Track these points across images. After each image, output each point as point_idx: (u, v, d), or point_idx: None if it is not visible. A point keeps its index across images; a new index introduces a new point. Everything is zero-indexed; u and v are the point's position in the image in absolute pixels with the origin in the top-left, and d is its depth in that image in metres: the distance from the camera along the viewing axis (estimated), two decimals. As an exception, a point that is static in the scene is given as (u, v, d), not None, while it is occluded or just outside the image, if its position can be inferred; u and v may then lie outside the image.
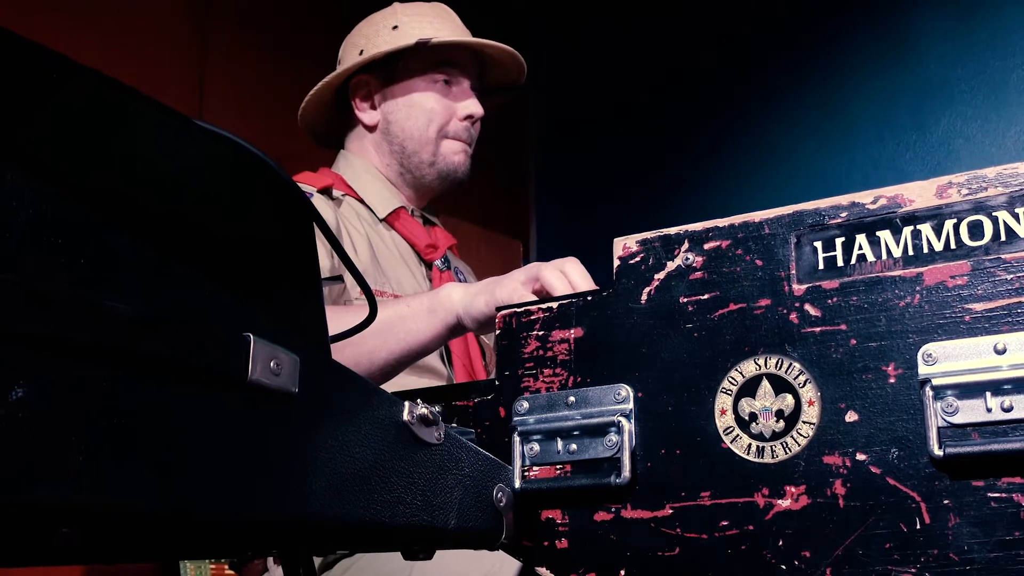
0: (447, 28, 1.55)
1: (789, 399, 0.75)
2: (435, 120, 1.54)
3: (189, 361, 0.54)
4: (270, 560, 1.33)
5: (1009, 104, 2.55)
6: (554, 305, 0.87)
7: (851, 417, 0.72)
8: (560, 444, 0.82)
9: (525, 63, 1.60)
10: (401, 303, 1.17)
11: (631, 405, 0.80)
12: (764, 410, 0.75)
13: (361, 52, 1.55)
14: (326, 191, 1.52)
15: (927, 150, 2.60)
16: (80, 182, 0.53)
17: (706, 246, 0.81)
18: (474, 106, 1.55)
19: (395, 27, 1.54)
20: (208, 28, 2.36)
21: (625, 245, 0.84)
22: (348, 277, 1.39)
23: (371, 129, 1.59)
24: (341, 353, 1.06)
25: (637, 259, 0.83)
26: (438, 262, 1.57)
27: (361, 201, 1.56)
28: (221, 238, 0.62)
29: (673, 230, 0.82)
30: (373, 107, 1.58)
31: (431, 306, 1.13)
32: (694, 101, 3.08)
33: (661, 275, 0.82)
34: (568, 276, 1.01)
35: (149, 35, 2.21)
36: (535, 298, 1.01)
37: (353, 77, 1.57)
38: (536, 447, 0.83)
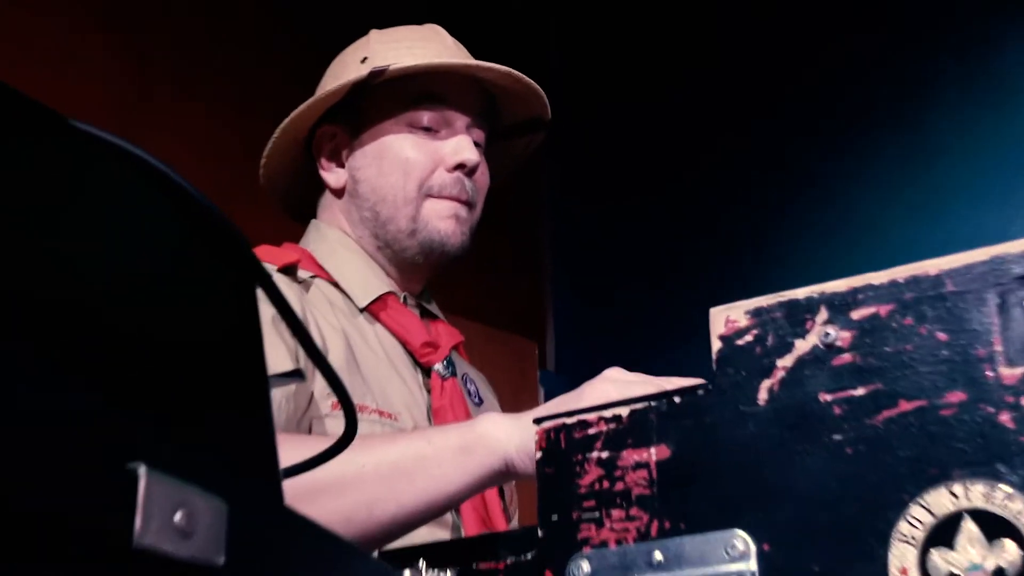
0: (430, 52, 1.45)
1: (1011, 549, 0.59)
2: (414, 172, 1.42)
3: (28, 511, 0.37)
4: None
5: None
6: (623, 412, 0.74)
7: (1123, 577, 0.56)
8: (644, 627, 0.68)
9: (542, 90, 1.49)
10: (417, 438, 1.06)
11: (753, 565, 0.66)
12: (973, 568, 0.60)
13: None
14: (289, 270, 1.40)
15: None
16: None
17: (855, 314, 0.68)
18: (467, 149, 1.42)
19: (364, 59, 1.45)
20: (147, 78, 2.44)
21: (729, 318, 0.72)
22: (318, 385, 1.26)
23: (339, 193, 1.49)
24: (320, 505, 0.96)
25: (749, 338, 0.71)
26: (439, 366, 1.45)
27: (335, 285, 1.44)
28: (105, 316, 0.46)
29: (802, 293, 0.70)
30: (341, 164, 1.49)
31: (464, 444, 1.02)
32: (735, 169, 3.09)
33: (788, 361, 0.69)
34: None
35: (82, 93, 2.27)
36: None
37: (318, 128, 1.48)
38: (606, 633, 0.68)
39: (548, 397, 3.47)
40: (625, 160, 3.31)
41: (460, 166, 1.43)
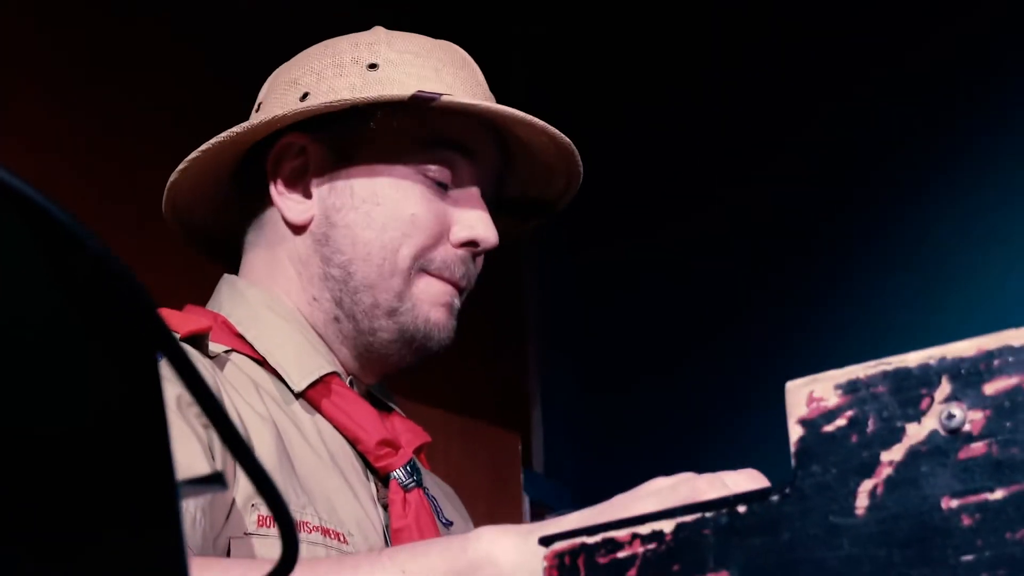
0: (466, 84, 1.42)
1: None
2: (416, 236, 1.38)
3: None
4: None
5: None
6: (667, 527, 0.72)
7: None
8: None
9: (580, 165, 1.47)
10: (385, 563, 1.06)
11: None
12: None
13: (305, 96, 1.40)
14: (196, 340, 1.34)
15: None
16: None
17: (989, 388, 0.66)
18: (485, 224, 1.40)
19: (372, 65, 1.40)
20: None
21: (812, 395, 0.70)
22: (240, 492, 1.22)
23: (298, 230, 1.43)
24: None
25: (841, 422, 0.69)
26: (399, 472, 1.40)
27: (262, 362, 1.40)
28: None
29: (914, 359, 0.68)
30: (307, 194, 1.42)
31: (457, 569, 1.02)
32: (764, 225, 3.22)
33: (897, 454, 0.68)
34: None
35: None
36: None
37: (279, 138, 1.41)
38: None
39: (535, 507, 3.43)
40: (634, 209, 3.39)
41: (471, 243, 1.41)
